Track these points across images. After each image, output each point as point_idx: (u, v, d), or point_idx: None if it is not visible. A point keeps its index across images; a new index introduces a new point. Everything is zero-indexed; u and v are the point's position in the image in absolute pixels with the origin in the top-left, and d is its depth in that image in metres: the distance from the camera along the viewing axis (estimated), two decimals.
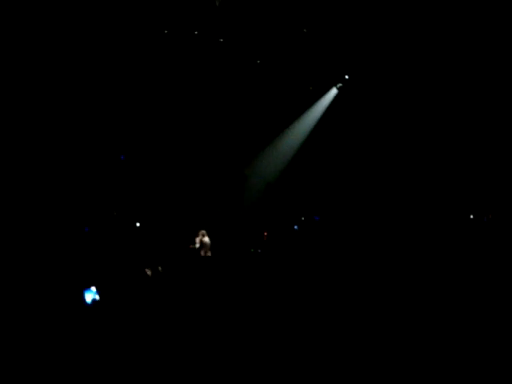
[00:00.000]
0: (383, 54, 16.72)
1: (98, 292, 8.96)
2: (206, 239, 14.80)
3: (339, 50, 17.24)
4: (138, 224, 17.32)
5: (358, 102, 18.22)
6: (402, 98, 17.44)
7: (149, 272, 13.87)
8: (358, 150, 18.66)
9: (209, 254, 14.76)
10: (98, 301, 8.97)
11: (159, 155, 18.43)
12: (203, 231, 14.88)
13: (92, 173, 16.86)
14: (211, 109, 18.44)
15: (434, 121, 17.17)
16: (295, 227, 18.57)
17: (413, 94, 17.22)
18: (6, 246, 12.01)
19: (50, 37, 15.60)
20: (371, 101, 17.94)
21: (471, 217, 17.10)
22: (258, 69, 17.82)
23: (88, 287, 9.00)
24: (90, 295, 8.91)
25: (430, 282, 12.72)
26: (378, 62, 17.06)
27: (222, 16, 16.48)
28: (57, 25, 15.44)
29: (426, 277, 13.15)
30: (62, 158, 16.34)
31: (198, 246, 14.63)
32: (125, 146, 17.84)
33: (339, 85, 18.46)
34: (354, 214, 17.88)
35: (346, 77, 18.19)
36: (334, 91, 18.68)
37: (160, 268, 13.98)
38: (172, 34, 16.73)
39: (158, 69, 17.21)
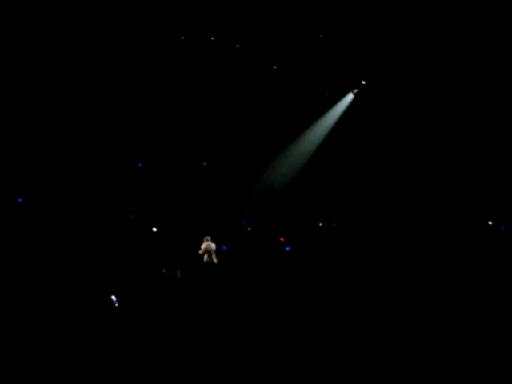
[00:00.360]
0: (400, 59, 16.66)
1: (118, 300, 9.00)
2: (211, 245, 14.79)
3: (356, 56, 17.20)
4: (154, 229, 17.37)
5: (374, 107, 18.15)
6: (418, 104, 17.33)
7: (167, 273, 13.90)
8: (373, 155, 18.58)
9: (214, 259, 14.73)
10: (117, 308, 9.02)
11: (174, 161, 18.53)
12: (208, 237, 14.85)
13: (111, 180, 17.01)
14: (228, 114, 18.47)
15: (453, 127, 17.02)
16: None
17: (430, 100, 17.09)
18: (31, 254, 12.14)
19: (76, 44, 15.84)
20: (387, 106, 17.86)
21: (489, 223, 16.95)
22: (274, 74, 17.81)
23: (108, 296, 9.04)
24: (111, 303, 8.95)
25: (447, 288, 12.66)
26: (394, 68, 17.00)
27: (239, 22, 16.52)
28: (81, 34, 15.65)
29: (442, 282, 13.08)
30: (82, 165, 16.51)
31: (201, 251, 14.64)
32: (142, 153, 17.96)
33: (355, 90, 18.39)
34: (370, 220, 17.78)
35: (363, 82, 18.14)
36: (350, 96, 18.62)
37: (178, 272, 14.02)
38: (189, 41, 16.80)
39: (176, 75, 17.28)
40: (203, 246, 14.79)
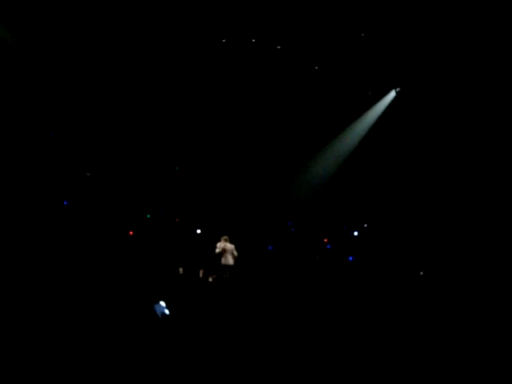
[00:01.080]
0: (444, 57, 16.39)
1: (168, 306, 9.11)
2: (228, 245, 14.54)
3: (398, 54, 17.02)
4: (198, 231, 17.62)
5: (416, 105, 17.93)
6: (463, 104, 16.98)
7: (210, 278, 14.06)
8: (415, 155, 18.36)
9: (231, 260, 14.43)
10: (168, 315, 9.12)
11: (217, 161, 18.74)
12: (225, 237, 14.55)
13: (157, 183, 17.33)
14: (269, 113, 18.59)
15: (498, 128, 16.56)
16: (355, 233, 18.45)
17: (475, 101, 16.69)
18: (78, 259, 12.42)
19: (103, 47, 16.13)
20: (430, 105, 17.60)
21: None
22: (316, 74, 17.81)
23: (157, 301, 9.15)
24: (160, 309, 9.06)
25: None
26: (437, 66, 16.74)
27: (279, 23, 16.55)
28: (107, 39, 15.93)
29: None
30: (129, 169, 16.86)
31: (217, 251, 14.33)
32: (186, 155, 18.24)
33: (398, 88, 18.22)
34: (413, 221, 17.59)
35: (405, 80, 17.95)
36: (392, 94, 18.46)
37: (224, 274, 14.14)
38: (230, 43, 16.93)
39: (218, 76, 17.49)
40: (219, 245, 14.50)
